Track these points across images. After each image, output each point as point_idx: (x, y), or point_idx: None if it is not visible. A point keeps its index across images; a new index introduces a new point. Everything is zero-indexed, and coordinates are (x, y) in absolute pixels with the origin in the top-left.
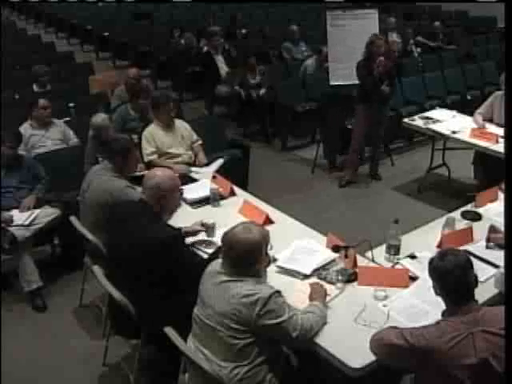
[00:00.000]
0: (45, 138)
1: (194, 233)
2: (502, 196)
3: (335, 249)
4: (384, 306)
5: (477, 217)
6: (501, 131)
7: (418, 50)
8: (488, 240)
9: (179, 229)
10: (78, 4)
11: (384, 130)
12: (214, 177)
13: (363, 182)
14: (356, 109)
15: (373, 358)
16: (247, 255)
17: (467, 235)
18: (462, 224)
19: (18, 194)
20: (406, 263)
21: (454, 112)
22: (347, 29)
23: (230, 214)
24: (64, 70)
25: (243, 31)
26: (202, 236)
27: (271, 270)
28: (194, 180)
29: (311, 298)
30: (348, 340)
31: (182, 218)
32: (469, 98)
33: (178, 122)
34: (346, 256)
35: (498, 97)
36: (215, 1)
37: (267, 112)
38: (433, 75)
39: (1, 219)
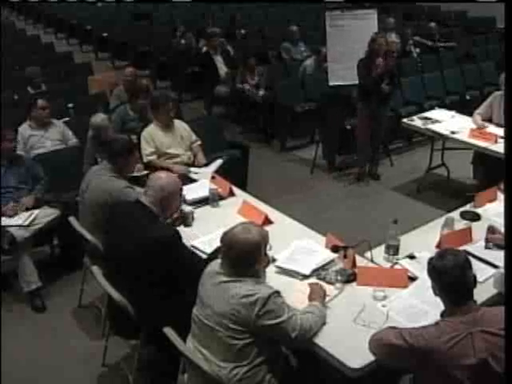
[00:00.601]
0: (44, 138)
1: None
2: (501, 196)
3: (334, 249)
4: (383, 306)
5: (476, 217)
6: (500, 131)
7: (417, 50)
8: (487, 240)
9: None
10: (77, 4)
11: (384, 131)
12: (213, 177)
13: (363, 182)
14: (357, 108)
15: (372, 358)
16: (246, 255)
17: (466, 235)
18: (461, 224)
19: (17, 195)
20: (405, 263)
21: (453, 112)
22: (346, 29)
23: (229, 215)
24: (63, 71)
25: (242, 31)
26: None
27: (270, 270)
28: (193, 180)
29: (310, 299)
30: (347, 340)
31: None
32: (468, 98)
33: (177, 123)
34: (345, 256)
35: (498, 97)
36: (216, 0)
37: (266, 112)
38: (432, 75)
39: (0, 218)
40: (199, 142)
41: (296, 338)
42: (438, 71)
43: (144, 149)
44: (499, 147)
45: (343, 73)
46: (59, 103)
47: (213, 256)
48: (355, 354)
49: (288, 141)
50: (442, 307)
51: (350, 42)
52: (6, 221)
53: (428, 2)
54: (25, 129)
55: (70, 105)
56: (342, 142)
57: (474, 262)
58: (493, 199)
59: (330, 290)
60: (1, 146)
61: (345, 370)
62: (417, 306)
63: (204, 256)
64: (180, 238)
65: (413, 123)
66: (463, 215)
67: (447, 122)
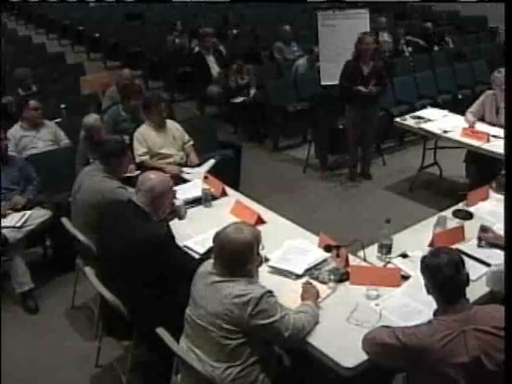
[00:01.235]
0: (36, 139)
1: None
2: (493, 195)
3: (327, 248)
4: (376, 305)
5: (468, 216)
6: (492, 130)
7: (409, 49)
8: (479, 239)
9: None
10: (69, 5)
11: (375, 131)
12: (205, 177)
13: (355, 181)
14: (345, 109)
15: (365, 357)
16: (239, 255)
17: (459, 234)
18: (453, 223)
19: (9, 196)
20: (398, 262)
21: (445, 111)
22: (338, 29)
23: (222, 215)
24: (55, 71)
25: (235, 31)
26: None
27: (263, 269)
28: (185, 180)
29: (303, 298)
30: (340, 339)
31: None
32: (460, 97)
33: (170, 123)
34: (338, 255)
35: (489, 96)
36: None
37: (258, 112)
38: (424, 75)
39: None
40: (192, 142)
41: (289, 338)
42: (430, 70)
43: (136, 149)
44: (491, 146)
45: (335, 72)
46: (51, 104)
47: (205, 256)
48: (348, 353)
49: (280, 140)
50: (435, 306)
51: (342, 41)
52: None
53: (420, 1)
54: (16, 130)
55: (62, 105)
56: (334, 141)
57: (466, 260)
58: (485, 198)
59: (322, 289)
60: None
61: (338, 370)
62: (410, 305)
63: (197, 256)
64: (173, 237)
65: (405, 122)
66: (455, 214)
67: (439, 121)
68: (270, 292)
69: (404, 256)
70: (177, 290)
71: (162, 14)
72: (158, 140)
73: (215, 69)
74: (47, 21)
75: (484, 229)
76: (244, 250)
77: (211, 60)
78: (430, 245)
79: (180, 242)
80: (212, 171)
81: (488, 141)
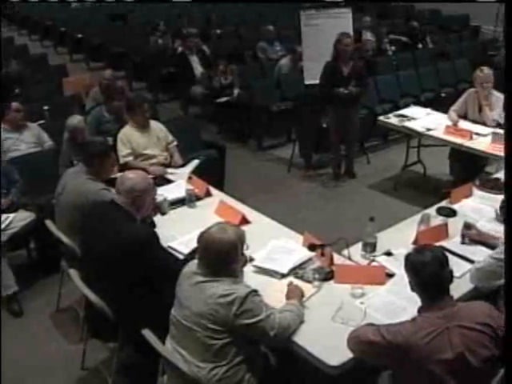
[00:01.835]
0: (19, 141)
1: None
2: (476, 192)
3: (311, 247)
4: (361, 303)
5: (452, 213)
6: (475, 128)
7: (393, 48)
8: (463, 236)
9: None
10: (51, 6)
11: (358, 130)
12: (189, 177)
13: (339, 181)
14: (327, 109)
15: (350, 355)
16: (223, 255)
17: (442, 231)
18: (437, 220)
19: None
20: (383, 260)
21: (428, 109)
22: (321, 28)
23: (206, 215)
24: (38, 73)
25: (218, 31)
26: None
27: (248, 269)
28: (169, 181)
29: (288, 297)
30: (326, 338)
31: (159, 220)
32: (443, 95)
33: (153, 123)
34: (323, 254)
35: (472, 94)
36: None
37: (242, 112)
38: (407, 73)
39: None
40: (175, 143)
41: (274, 337)
42: (413, 69)
43: (120, 150)
44: (474, 143)
45: (318, 72)
46: (34, 105)
47: (190, 257)
48: (334, 351)
49: (265, 140)
50: (419, 303)
51: (325, 40)
52: None
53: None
54: None
55: (45, 107)
56: (319, 140)
57: (450, 257)
58: (468, 195)
59: (307, 288)
60: None
61: (324, 368)
62: (395, 303)
63: (181, 257)
64: (157, 238)
65: (388, 121)
66: (439, 211)
67: (423, 119)
68: (255, 291)
69: (388, 254)
70: (162, 290)
71: (145, 14)
72: (142, 141)
73: (199, 69)
74: (30, 22)
75: (467, 226)
76: (228, 250)
77: (195, 60)
78: (414, 242)
79: (164, 243)
80: (196, 171)
81: (471, 138)
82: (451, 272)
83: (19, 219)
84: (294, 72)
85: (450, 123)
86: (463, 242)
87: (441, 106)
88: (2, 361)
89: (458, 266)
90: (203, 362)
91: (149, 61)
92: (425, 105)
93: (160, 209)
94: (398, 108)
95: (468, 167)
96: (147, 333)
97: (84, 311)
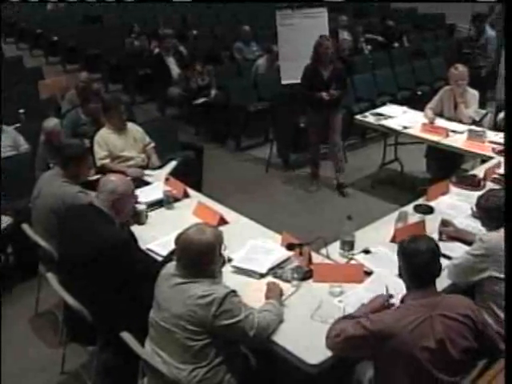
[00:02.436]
0: None
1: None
2: (453, 189)
3: (290, 247)
4: (340, 301)
5: (429, 210)
6: (451, 125)
7: (369, 47)
8: (440, 233)
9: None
10: (25, 7)
11: (339, 134)
12: (167, 179)
13: (317, 180)
14: (307, 111)
15: (330, 353)
16: (201, 256)
17: (420, 228)
18: (414, 218)
19: None
20: (361, 258)
21: (404, 108)
22: (297, 28)
23: (184, 216)
24: (13, 76)
25: (194, 32)
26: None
27: (227, 270)
28: (147, 183)
29: (267, 297)
30: (305, 337)
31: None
32: (419, 93)
33: (130, 125)
34: (301, 254)
35: (447, 91)
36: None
37: (220, 113)
38: (383, 72)
39: None
40: (153, 145)
41: (254, 337)
42: (390, 68)
43: (97, 152)
44: (450, 141)
45: (295, 71)
46: (10, 109)
47: (168, 258)
48: (313, 350)
49: (242, 140)
50: (397, 300)
51: (301, 40)
52: None
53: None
54: None
55: (21, 110)
56: (296, 140)
57: None
58: (445, 192)
59: (286, 287)
60: None
61: (303, 367)
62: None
63: (159, 258)
64: (135, 240)
65: (366, 119)
66: (416, 209)
67: (399, 117)
68: (234, 292)
69: (366, 252)
70: (140, 292)
71: (121, 15)
72: (119, 143)
73: (175, 70)
74: (4, 24)
75: (444, 223)
76: (206, 251)
77: (171, 61)
78: (392, 240)
79: (142, 245)
80: (174, 173)
81: (447, 136)
82: (440, 267)
83: None
84: (271, 72)
85: (426, 121)
86: (440, 239)
87: (417, 104)
88: None
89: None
90: (183, 363)
91: (125, 62)
92: (401, 103)
93: (139, 218)
94: (375, 107)
95: (444, 165)
96: (126, 335)
97: (63, 315)
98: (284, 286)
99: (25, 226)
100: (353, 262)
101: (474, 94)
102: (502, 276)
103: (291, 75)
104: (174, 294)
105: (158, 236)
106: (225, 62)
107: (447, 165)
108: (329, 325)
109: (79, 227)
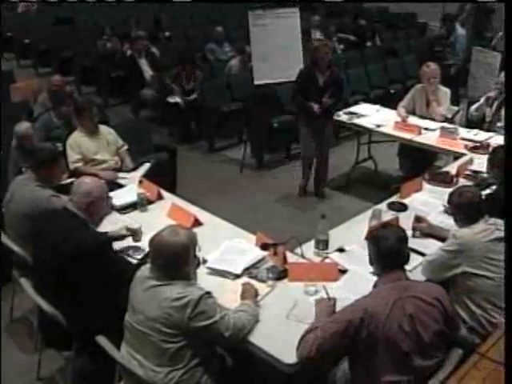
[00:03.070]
0: None
1: (121, 238)
2: (426, 186)
3: (264, 247)
4: (315, 300)
5: (402, 207)
6: (423, 123)
7: (341, 46)
8: (414, 229)
9: (106, 233)
10: None
11: (328, 147)
12: (140, 181)
13: (290, 179)
14: (299, 122)
15: None
16: (175, 258)
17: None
18: (388, 215)
19: None
20: (335, 257)
21: (377, 106)
22: (269, 28)
23: (158, 218)
24: None
25: (167, 33)
26: (128, 242)
27: (202, 271)
28: (120, 186)
29: (242, 298)
30: (281, 336)
31: (111, 225)
32: (392, 91)
33: (103, 128)
34: (275, 253)
35: (419, 89)
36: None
37: (193, 114)
38: (356, 71)
39: None
40: (126, 147)
41: (230, 338)
42: (362, 67)
43: (70, 156)
44: (423, 138)
45: (268, 71)
46: None
47: (143, 261)
48: (289, 349)
49: (216, 141)
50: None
51: (273, 40)
52: None
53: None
54: None
55: None
56: (270, 140)
57: None
58: (418, 189)
59: (261, 287)
60: None
61: (280, 367)
62: (349, 299)
63: (134, 261)
64: (110, 243)
65: (339, 118)
66: (390, 206)
67: (372, 115)
68: (209, 293)
69: (341, 250)
70: (116, 296)
71: (92, 16)
72: (92, 146)
73: (148, 72)
74: None
75: (418, 219)
76: (180, 253)
77: (144, 63)
78: (366, 238)
79: (117, 248)
80: (147, 175)
81: (420, 133)
82: (408, 254)
83: None
84: (244, 72)
85: (398, 119)
86: (414, 236)
87: (390, 102)
88: None
89: (410, 260)
90: (159, 366)
91: (97, 64)
92: (374, 102)
93: (135, 236)
94: (348, 105)
95: (417, 162)
96: (101, 339)
97: (38, 320)
98: (259, 286)
99: None
100: (327, 260)
101: (445, 92)
102: (476, 271)
103: (264, 75)
104: (148, 296)
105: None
106: (197, 63)
107: (420, 162)
108: (305, 324)
109: (53, 231)
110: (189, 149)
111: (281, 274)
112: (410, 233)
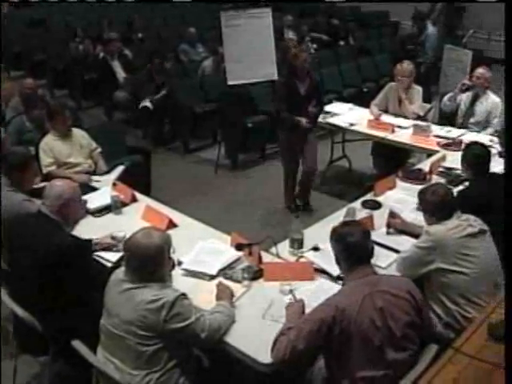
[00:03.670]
0: None
1: (106, 247)
2: (399, 183)
3: (239, 247)
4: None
5: (376, 205)
6: (396, 121)
7: (314, 46)
8: (388, 225)
9: (88, 240)
10: None
11: (315, 158)
12: (114, 184)
13: (265, 179)
14: (279, 135)
15: None
16: (149, 260)
17: (368, 224)
18: (362, 213)
19: None
20: (311, 256)
21: (350, 105)
22: (242, 28)
23: (133, 221)
24: None
25: (140, 35)
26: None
27: (177, 273)
28: (94, 189)
29: (218, 298)
30: (257, 336)
31: (85, 228)
32: (365, 90)
33: (76, 131)
34: (250, 253)
35: (392, 87)
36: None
37: (165, 114)
38: (329, 70)
39: None
40: (99, 150)
41: (206, 339)
42: (335, 66)
43: (42, 160)
44: (396, 136)
45: (241, 72)
46: None
47: (117, 264)
48: (266, 349)
49: (190, 142)
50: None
51: (246, 41)
52: None
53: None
54: None
55: None
56: (244, 140)
57: (377, 248)
58: (392, 187)
59: (237, 288)
60: None
61: (257, 366)
62: (324, 297)
63: (109, 265)
64: (84, 246)
65: None
66: (364, 204)
67: (345, 114)
68: (184, 295)
69: (316, 249)
70: (91, 299)
71: (65, 18)
72: (65, 149)
73: (121, 74)
74: None
75: (392, 214)
76: (154, 255)
77: (116, 65)
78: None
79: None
80: (121, 178)
81: (393, 131)
82: (373, 248)
83: None
84: (218, 73)
85: (372, 117)
86: (388, 232)
87: (363, 101)
88: None
89: (384, 257)
90: (136, 369)
91: (70, 67)
92: (347, 100)
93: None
94: None
95: (391, 160)
96: (77, 344)
97: (13, 327)
98: (235, 286)
99: None
100: (302, 259)
101: (418, 90)
102: (450, 267)
103: (238, 76)
104: (123, 299)
105: None
106: (170, 64)
107: (393, 161)
108: (280, 323)
109: (27, 236)
110: (163, 150)
111: (256, 274)
112: (384, 230)
